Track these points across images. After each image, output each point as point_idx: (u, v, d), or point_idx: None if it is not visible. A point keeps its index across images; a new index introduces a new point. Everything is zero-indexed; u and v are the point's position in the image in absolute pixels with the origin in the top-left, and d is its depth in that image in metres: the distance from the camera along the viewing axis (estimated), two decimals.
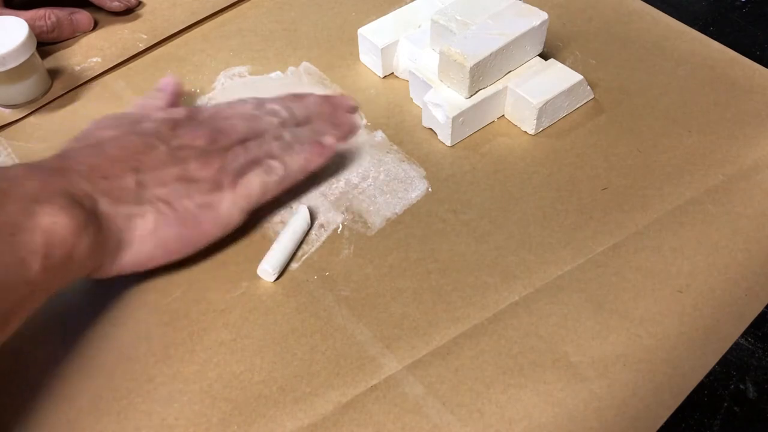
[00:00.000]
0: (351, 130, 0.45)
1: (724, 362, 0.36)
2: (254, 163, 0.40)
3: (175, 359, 0.37)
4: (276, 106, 0.43)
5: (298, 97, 0.45)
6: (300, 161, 0.41)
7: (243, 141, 0.41)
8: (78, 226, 0.33)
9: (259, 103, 0.43)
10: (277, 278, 0.40)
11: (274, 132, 0.42)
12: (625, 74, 0.51)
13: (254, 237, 0.42)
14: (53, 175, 0.35)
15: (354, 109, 0.46)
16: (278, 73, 0.53)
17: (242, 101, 0.44)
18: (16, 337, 0.33)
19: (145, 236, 0.36)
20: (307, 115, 0.44)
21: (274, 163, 0.40)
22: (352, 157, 0.46)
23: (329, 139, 0.43)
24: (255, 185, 0.40)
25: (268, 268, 0.40)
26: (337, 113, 0.45)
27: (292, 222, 0.42)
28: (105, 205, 0.35)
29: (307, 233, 0.42)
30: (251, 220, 0.42)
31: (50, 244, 0.32)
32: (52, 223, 0.32)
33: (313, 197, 0.44)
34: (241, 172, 0.39)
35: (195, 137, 0.39)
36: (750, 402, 0.36)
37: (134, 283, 0.40)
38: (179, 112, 0.41)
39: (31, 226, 0.32)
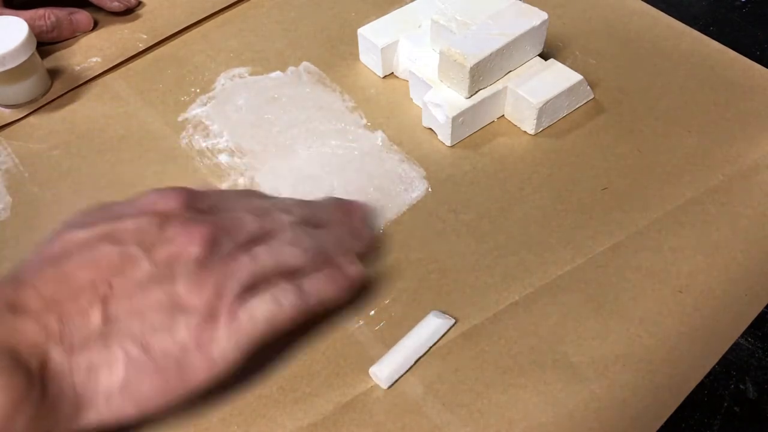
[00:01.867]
0: (372, 244, 0.37)
1: (724, 362, 0.36)
2: (262, 281, 0.31)
3: None
4: (288, 202, 0.35)
5: (308, 201, 0.37)
6: (319, 288, 0.33)
7: (251, 243, 0.32)
8: (15, 399, 0.26)
9: (268, 196, 0.36)
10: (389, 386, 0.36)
11: (289, 235, 0.33)
12: (625, 74, 0.51)
13: None
14: None
15: (368, 216, 0.38)
16: (278, 73, 0.53)
17: (249, 192, 0.36)
18: None
19: (112, 392, 0.29)
20: (322, 217, 0.36)
21: (288, 287, 0.31)
22: (353, 157, 0.46)
23: (354, 269, 0.34)
24: (260, 318, 0.30)
25: (381, 377, 0.35)
26: (353, 221, 0.37)
27: (429, 328, 0.37)
28: (58, 358, 0.28)
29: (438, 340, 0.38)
30: None
31: None
32: None
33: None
34: (243, 295, 0.30)
35: (190, 242, 0.30)
36: (750, 402, 0.36)
37: None
38: (172, 201, 0.32)
39: None
